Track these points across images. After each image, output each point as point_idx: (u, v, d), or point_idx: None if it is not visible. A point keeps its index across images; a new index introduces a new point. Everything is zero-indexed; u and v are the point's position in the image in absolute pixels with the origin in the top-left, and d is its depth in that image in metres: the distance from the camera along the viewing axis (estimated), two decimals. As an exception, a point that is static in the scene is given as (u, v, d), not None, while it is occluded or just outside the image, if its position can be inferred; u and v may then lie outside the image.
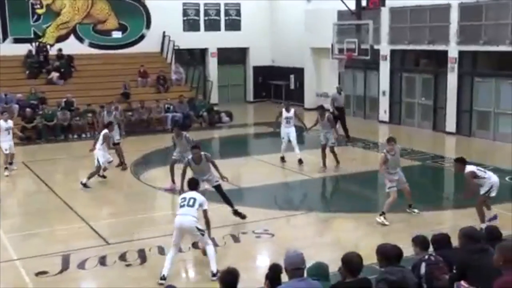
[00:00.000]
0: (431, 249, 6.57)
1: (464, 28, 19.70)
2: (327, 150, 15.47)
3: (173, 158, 13.67)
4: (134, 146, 18.99)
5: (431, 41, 20.88)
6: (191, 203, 8.68)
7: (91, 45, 26.09)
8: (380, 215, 11.13)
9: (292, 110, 16.28)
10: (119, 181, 15.11)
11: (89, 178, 14.02)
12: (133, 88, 24.18)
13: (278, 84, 29.61)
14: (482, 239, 6.19)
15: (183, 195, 8.99)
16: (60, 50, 24.59)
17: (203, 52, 29.31)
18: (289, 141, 16.17)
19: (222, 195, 11.34)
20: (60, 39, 25.43)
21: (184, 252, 9.69)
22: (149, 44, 26.82)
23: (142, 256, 9.65)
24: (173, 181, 13.43)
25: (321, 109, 15.94)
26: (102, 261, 9.48)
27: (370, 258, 6.25)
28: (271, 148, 17.73)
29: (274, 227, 11.01)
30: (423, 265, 6.14)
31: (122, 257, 9.60)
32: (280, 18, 29.11)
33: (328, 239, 10.60)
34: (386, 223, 11.00)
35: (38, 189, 14.33)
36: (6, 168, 15.46)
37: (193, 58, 27.91)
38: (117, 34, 26.54)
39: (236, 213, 11.40)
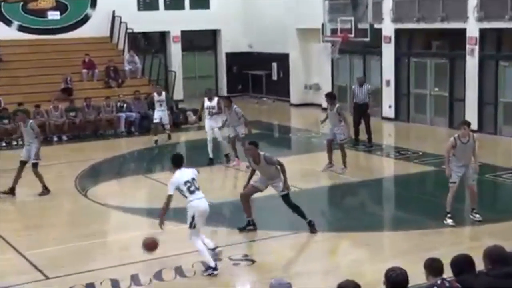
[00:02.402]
0: (450, 274, 6.62)
1: (486, 1, 19.93)
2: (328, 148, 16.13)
3: (232, 136, 16.84)
4: (80, 155, 18.88)
5: (445, 17, 21.09)
6: (197, 185, 10.02)
7: (21, 28, 25.91)
8: (445, 216, 11.75)
9: (216, 100, 17.52)
10: (60, 198, 15.01)
11: None
12: (76, 83, 24.08)
13: (257, 75, 29.71)
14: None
15: (185, 178, 9.93)
16: (-18, 35, 24.41)
17: (163, 36, 29.32)
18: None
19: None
20: (-18, 22, 25.27)
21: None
22: (95, 27, 26.74)
23: (91, 292, 9.60)
24: (237, 157, 16.76)
25: (329, 97, 16.38)
26: (40, 300, 9.44)
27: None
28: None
29: (255, 252, 11.03)
30: (433, 292, 6.19)
31: (66, 295, 9.52)
32: (258, -8, 29.23)
33: (321, 265, 10.64)
34: (451, 223, 11.73)
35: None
36: None
37: (150, 44, 27.87)
38: (54, 15, 26.41)
39: (310, 225, 11.77)
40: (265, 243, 11.64)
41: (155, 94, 21.12)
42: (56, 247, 11.64)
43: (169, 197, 9.93)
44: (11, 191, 14.82)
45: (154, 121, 20.90)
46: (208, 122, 17.47)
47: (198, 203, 9.92)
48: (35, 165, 14.76)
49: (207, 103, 17.47)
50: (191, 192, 9.87)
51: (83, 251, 11.41)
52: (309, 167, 17.07)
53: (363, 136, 19.42)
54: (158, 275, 9.97)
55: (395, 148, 19.51)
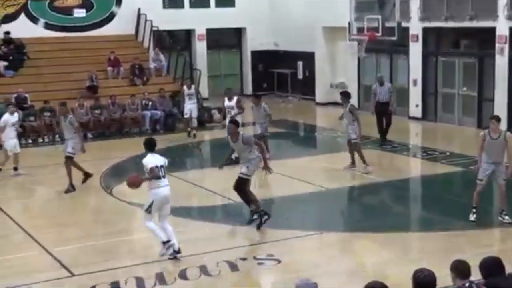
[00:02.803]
0: (478, 277, 6.59)
1: (516, -1, 19.78)
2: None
3: (259, 133, 16.81)
4: (105, 153, 19.01)
5: (474, 16, 20.94)
6: (164, 173, 10.44)
7: (48, 26, 26.14)
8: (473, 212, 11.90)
9: (235, 99, 17.40)
10: (85, 196, 15.13)
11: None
12: (101, 80, 24.24)
13: (282, 73, 29.71)
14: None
15: (156, 163, 10.33)
16: (7, 33, 24.63)
17: (188, 34, 29.41)
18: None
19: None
20: (8, 19, 25.50)
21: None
22: (121, 25, 26.90)
23: (116, 289, 9.67)
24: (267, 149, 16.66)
25: (343, 95, 16.51)
26: (66, 297, 9.53)
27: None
28: (277, 153, 17.78)
29: (280, 251, 11.01)
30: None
31: (91, 292, 9.60)
32: (284, -10, 29.22)
33: (346, 265, 10.62)
34: (473, 219, 11.88)
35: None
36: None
37: (176, 42, 27.98)
38: (80, 13, 26.61)
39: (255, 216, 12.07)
40: (290, 242, 11.65)
41: (185, 87, 21.81)
42: (81, 244, 11.74)
43: (144, 180, 10.46)
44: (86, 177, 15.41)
45: (185, 116, 21.53)
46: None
47: (161, 190, 10.33)
48: (67, 158, 15.05)
49: (226, 102, 17.54)
50: (158, 178, 10.25)
51: (108, 249, 11.50)
52: (334, 166, 17.03)
53: (389, 135, 19.39)
54: (183, 274, 10.02)
55: (422, 148, 19.42)
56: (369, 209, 14.03)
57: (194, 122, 21.91)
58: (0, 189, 15.29)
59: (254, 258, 10.76)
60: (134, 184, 10.50)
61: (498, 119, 11.86)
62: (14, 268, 10.65)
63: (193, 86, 21.91)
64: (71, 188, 15.03)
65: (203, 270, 10.13)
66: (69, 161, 15.10)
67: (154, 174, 10.24)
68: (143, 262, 10.32)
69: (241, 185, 12.05)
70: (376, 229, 12.12)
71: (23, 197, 15.40)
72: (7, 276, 10.23)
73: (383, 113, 19.47)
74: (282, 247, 11.33)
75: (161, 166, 10.39)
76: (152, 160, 10.41)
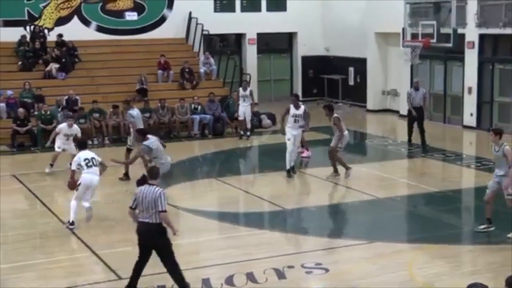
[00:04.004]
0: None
1: None
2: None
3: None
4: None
5: (533, 23, 20.59)
6: (95, 162, 12.81)
7: (99, 29, 26.54)
8: None
9: (302, 108, 16.45)
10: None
11: None
12: (151, 83, 24.49)
13: (333, 79, 29.59)
14: None
15: (85, 156, 12.82)
16: (60, 35, 25.09)
17: (239, 38, 29.50)
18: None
19: None
20: (61, 21, 25.98)
21: None
22: (172, 28, 27.17)
23: (163, 294, 9.74)
24: (302, 146, 17.98)
25: (327, 108, 16.45)
26: (113, 300, 9.64)
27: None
28: (325, 159, 17.70)
29: (328, 260, 10.99)
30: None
31: (138, 296, 9.68)
32: (337, -6, 29.13)
33: (396, 276, 10.48)
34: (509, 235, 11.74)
35: (32, 208, 14.60)
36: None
37: (226, 46, 28.08)
38: (131, 16, 26.95)
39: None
40: (339, 251, 11.61)
41: (240, 89, 22.21)
42: (128, 248, 11.82)
43: (73, 172, 13.13)
44: (126, 176, 16.18)
45: (239, 118, 21.84)
46: (290, 131, 16.37)
47: (88, 176, 12.71)
48: (128, 151, 16.36)
49: (293, 110, 16.29)
50: (88, 167, 12.71)
51: (155, 253, 11.56)
52: (385, 175, 16.90)
53: (442, 144, 19.21)
54: (229, 280, 10.05)
55: (476, 158, 19.11)
56: (421, 220, 13.87)
57: (249, 124, 22.00)
58: (49, 190, 15.57)
59: (302, 266, 10.71)
60: (70, 187, 13.23)
61: (497, 133, 12.15)
62: (64, 270, 10.84)
63: (248, 88, 22.12)
64: (125, 176, 16.12)
65: (250, 277, 10.14)
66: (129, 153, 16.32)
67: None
68: (188, 267, 10.35)
69: None
70: (428, 240, 12.00)
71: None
72: (57, 277, 10.43)
73: (416, 118, 19.94)
74: (330, 256, 11.31)
75: (92, 158, 12.88)
76: (83, 155, 12.90)
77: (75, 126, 17.40)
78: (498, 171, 12.00)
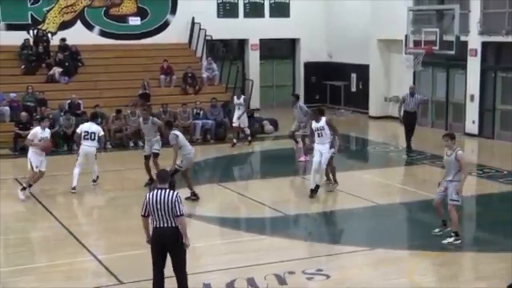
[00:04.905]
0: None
1: None
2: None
3: (292, 130, 18.46)
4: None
5: (535, 31, 20.62)
6: (93, 137, 15.39)
7: (102, 33, 26.62)
8: None
9: (323, 120, 15.12)
10: (134, 204, 15.24)
11: None
12: (154, 88, 24.53)
13: (335, 85, 29.60)
14: None
15: (86, 129, 15.49)
16: (63, 39, 25.15)
17: (241, 44, 29.55)
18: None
19: None
20: (64, 26, 26.06)
21: None
22: (175, 33, 27.23)
23: (165, 299, 9.74)
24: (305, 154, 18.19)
25: (314, 113, 15.52)
26: (113, 305, 9.65)
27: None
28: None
29: (329, 266, 10.98)
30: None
31: (139, 300, 9.72)
32: (339, 1, 29.14)
33: (397, 283, 10.47)
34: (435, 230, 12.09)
35: (34, 213, 14.60)
36: (24, 188, 15.21)
37: (229, 52, 28.13)
38: (135, 21, 27.01)
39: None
40: (340, 258, 11.60)
41: (235, 97, 22.36)
42: (130, 252, 11.85)
43: (77, 134, 15.87)
44: (151, 181, 15.79)
45: (233, 124, 21.95)
46: (317, 147, 15.10)
47: (85, 148, 15.46)
48: (156, 155, 16.14)
49: (314, 124, 15.13)
50: (85, 139, 15.41)
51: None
52: (386, 181, 16.91)
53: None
54: (230, 285, 10.06)
55: (478, 166, 19.09)
56: (422, 226, 13.83)
57: (247, 132, 21.98)
58: (50, 194, 15.60)
59: (303, 272, 10.70)
60: (45, 150, 15.00)
61: (449, 138, 12.03)
62: (65, 274, 10.84)
63: (242, 96, 22.16)
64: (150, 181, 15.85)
65: (251, 282, 10.15)
66: (156, 158, 16.13)
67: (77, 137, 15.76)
68: (191, 272, 10.35)
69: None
70: (430, 248, 11.97)
71: (76, 204, 15.61)
72: (57, 281, 10.44)
73: (410, 122, 20.36)
74: (331, 262, 11.30)
75: (92, 132, 15.40)
76: (83, 127, 15.63)
77: (47, 130, 15.64)
78: (447, 176, 12.03)
